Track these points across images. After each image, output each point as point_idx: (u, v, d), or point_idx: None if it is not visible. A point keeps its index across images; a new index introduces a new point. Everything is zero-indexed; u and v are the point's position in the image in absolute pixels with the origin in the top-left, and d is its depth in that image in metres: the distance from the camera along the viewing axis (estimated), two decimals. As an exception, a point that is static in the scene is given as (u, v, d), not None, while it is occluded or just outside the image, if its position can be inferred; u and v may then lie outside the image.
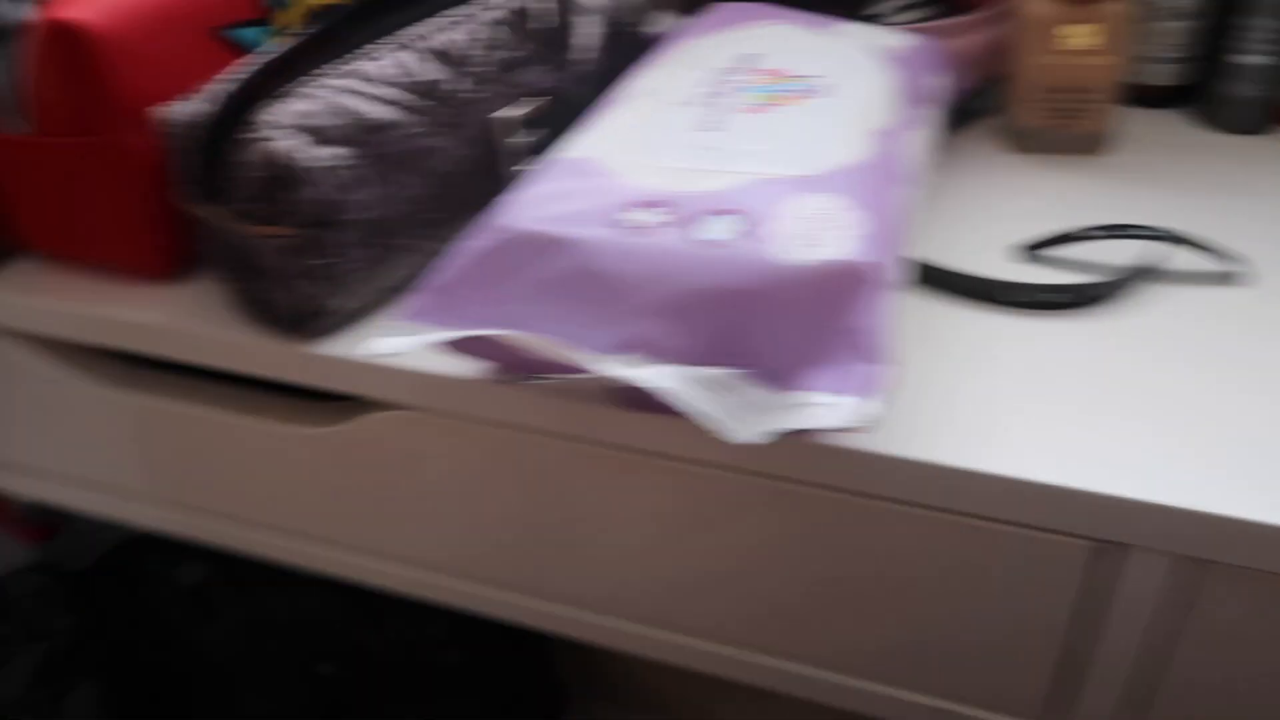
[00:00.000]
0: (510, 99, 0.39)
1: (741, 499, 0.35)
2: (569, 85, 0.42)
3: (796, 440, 0.32)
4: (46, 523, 0.78)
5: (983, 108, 0.52)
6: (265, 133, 0.32)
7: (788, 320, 0.29)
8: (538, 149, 0.42)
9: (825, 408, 0.28)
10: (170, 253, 0.40)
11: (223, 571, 0.75)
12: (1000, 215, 0.44)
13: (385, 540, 0.44)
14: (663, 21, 0.48)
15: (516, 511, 0.40)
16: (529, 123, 0.41)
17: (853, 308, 0.29)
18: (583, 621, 0.42)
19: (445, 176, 0.38)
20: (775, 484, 0.34)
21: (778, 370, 0.30)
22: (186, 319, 0.39)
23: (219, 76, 0.35)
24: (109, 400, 0.44)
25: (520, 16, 0.40)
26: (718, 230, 0.30)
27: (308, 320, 0.36)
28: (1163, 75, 0.52)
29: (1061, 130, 0.48)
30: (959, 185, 0.46)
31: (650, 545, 0.38)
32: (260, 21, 0.39)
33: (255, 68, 0.34)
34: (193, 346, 0.39)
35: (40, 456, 0.49)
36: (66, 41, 0.34)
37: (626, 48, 0.45)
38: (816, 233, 0.29)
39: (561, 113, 0.42)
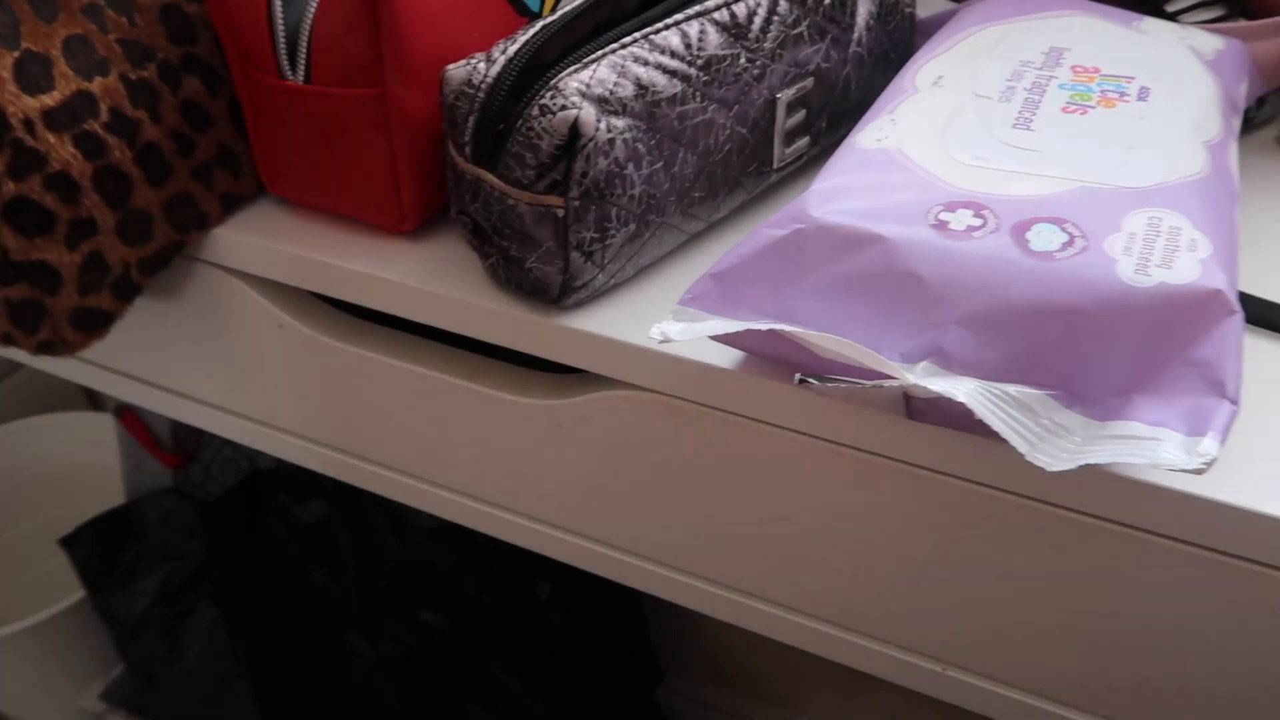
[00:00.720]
0: (786, 78, 0.38)
1: (1007, 524, 0.33)
2: (838, 66, 0.40)
3: (1095, 471, 0.29)
4: (182, 450, 0.81)
5: (1261, 118, 0.48)
6: (562, 99, 0.31)
7: (1124, 345, 0.26)
8: (800, 132, 0.40)
9: (1159, 443, 0.25)
10: (417, 210, 0.40)
11: (342, 512, 0.77)
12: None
13: (576, 516, 0.43)
14: (927, 3, 0.46)
15: (738, 507, 0.38)
16: (805, 103, 0.39)
17: (1204, 338, 0.26)
18: (781, 620, 0.41)
19: (715, 154, 0.36)
20: (1051, 512, 0.32)
21: (1094, 396, 0.27)
22: (428, 279, 0.39)
23: (506, 38, 0.34)
24: (320, 346, 0.44)
25: (805, -8, 0.38)
26: (1046, 240, 0.28)
27: (565, 292, 0.35)
28: None
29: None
30: (1243, 203, 0.42)
31: (893, 560, 0.36)
32: (542, -19, 0.38)
33: (544, 30, 0.34)
34: (432, 308, 0.39)
35: (217, 392, 0.50)
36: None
37: (893, 29, 0.43)
38: (1162, 252, 0.27)
39: (824, 94, 0.40)
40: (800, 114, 0.39)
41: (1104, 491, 0.30)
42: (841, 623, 0.40)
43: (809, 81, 0.39)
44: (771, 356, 0.32)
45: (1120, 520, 0.30)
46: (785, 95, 0.38)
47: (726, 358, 0.34)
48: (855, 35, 0.41)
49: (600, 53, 0.33)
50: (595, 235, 0.34)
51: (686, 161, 0.36)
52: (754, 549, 0.39)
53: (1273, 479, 0.29)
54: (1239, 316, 0.26)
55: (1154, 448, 0.25)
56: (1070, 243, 0.27)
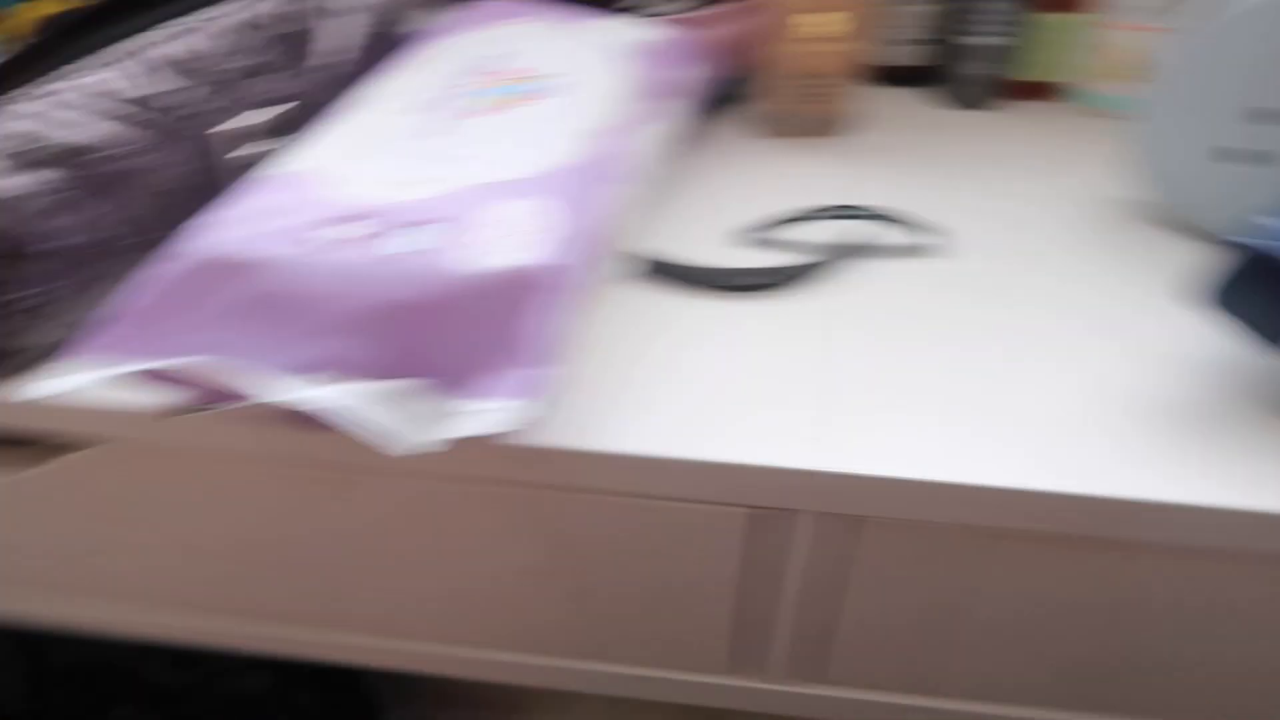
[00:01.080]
0: (248, 108, 0.38)
1: (455, 506, 0.35)
2: (317, 90, 0.41)
3: (480, 442, 0.31)
4: None
5: (741, 95, 0.54)
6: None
7: (460, 329, 0.29)
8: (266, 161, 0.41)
9: (481, 414, 0.28)
10: None
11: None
12: (739, 200, 0.45)
13: (106, 582, 0.42)
14: (424, 20, 0.48)
15: (233, 538, 0.39)
16: (274, 130, 0.40)
17: (517, 314, 0.29)
18: (314, 641, 0.42)
19: (165, 194, 0.36)
20: (464, 486, 0.34)
21: (456, 379, 0.30)
22: None
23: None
24: None
25: (261, 21, 0.38)
26: (417, 241, 0.30)
27: (5, 359, 0.34)
28: (908, 56, 0.54)
29: (806, 114, 0.50)
30: (705, 172, 0.47)
31: (365, 555, 0.38)
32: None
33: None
34: None
35: None
36: None
37: (385, 49, 0.44)
38: (501, 240, 0.29)
39: (290, 122, 0.41)
40: (265, 143, 0.40)
41: (488, 457, 0.32)
42: (373, 630, 0.41)
43: (277, 108, 0.40)
44: (197, 389, 0.32)
45: (507, 480, 0.33)
46: (237, 125, 0.38)
47: (156, 399, 0.33)
48: (322, 61, 0.42)
49: (19, 104, 0.32)
50: (20, 295, 0.33)
51: (129, 206, 0.35)
52: (273, 576, 0.40)
53: (639, 417, 0.32)
54: (561, 288, 0.29)
55: (480, 418, 0.28)
56: (434, 242, 0.29)
